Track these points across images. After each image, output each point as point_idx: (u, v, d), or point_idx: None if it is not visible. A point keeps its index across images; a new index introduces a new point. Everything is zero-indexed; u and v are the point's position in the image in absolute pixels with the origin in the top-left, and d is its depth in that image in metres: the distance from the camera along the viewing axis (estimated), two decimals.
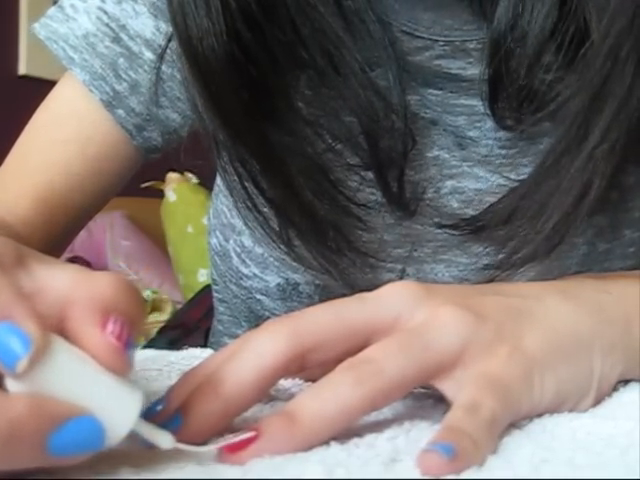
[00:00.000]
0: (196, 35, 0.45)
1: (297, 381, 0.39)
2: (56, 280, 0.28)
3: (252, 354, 0.31)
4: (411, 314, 0.33)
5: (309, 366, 0.32)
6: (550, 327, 0.36)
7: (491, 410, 0.31)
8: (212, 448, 0.29)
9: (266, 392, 0.32)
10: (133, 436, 0.27)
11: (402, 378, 0.31)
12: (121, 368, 0.27)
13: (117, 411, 0.26)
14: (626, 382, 0.39)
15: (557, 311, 0.37)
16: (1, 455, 0.24)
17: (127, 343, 0.27)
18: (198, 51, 0.45)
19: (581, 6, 0.43)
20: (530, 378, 0.34)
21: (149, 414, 0.30)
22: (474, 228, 0.50)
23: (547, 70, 0.45)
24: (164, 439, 0.28)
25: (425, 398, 0.33)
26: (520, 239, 0.46)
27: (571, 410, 0.36)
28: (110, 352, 0.26)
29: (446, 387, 0.33)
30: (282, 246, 0.50)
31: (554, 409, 0.35)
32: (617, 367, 0.37)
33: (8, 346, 0.25)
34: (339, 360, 0.32)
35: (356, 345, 0.33)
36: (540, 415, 0.35)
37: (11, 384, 0.25)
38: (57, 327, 0.27)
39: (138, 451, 0.28)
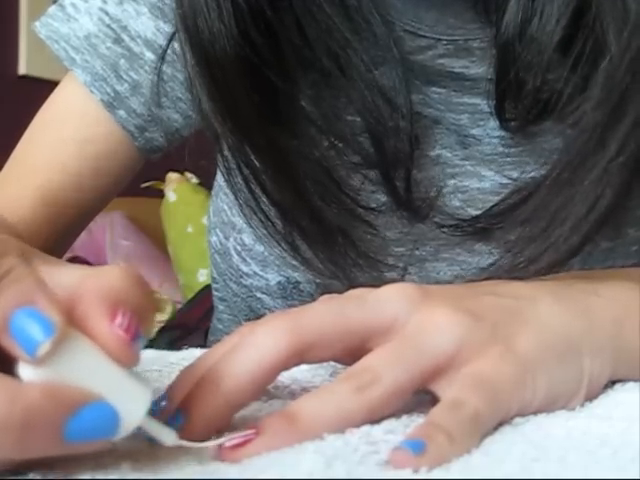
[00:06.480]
0: (208, 38, 0.45)
1: (296, 377, 0.39)
2: (62, 277, 0.28)
3: (252, 349, 0.31)
4: (408, 317, 0.34)
5: (307, 362, 0.33)
6: (542, 328, 0.36)
7: (474, 408, 0.31)
8: (214, 444, 0.29)
9: (266, 387, 0.32)
10: (135, 432, 0.27)
11: (399, 385, 0.32)
12: (128, 360, 0.27)
13: (128, 402, 0.26)
14: (624, 381, 0.40)
15: (549, 313, 0.37)
16: (17, 443, 0.24)
17: (135, 336, 0.27)
18: (210, 54, 0.45)
19: (599, 20, 0.43)
20: (522, 378, 0.34)
21: (153, 410, 0.30)
22: (475, 229, 0.50)
23: (565, 83, 0.45)
24: (167, 436, 0.28)
25: (424, 393, 0.34)
26: (527, 243, 0.46)
27: (561, 409, 0.36)
28: (118, 344, 0.26)
29: (438, 388, 0.33)
30: (288, 249, 0.51)
31: (545, 408, 0.35)
32: (606, 368, 0.37)
33: (29, 331, 0.25)
34: (336, 358, 0.34)
35: (353, 345, 0.33)
36: (536, 414, 0.35)
37: (24, 373, 0.25)
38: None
39: (139, 448, 0.28)
